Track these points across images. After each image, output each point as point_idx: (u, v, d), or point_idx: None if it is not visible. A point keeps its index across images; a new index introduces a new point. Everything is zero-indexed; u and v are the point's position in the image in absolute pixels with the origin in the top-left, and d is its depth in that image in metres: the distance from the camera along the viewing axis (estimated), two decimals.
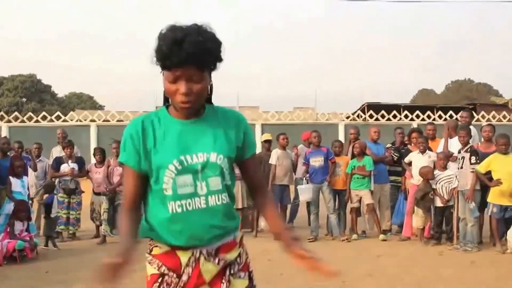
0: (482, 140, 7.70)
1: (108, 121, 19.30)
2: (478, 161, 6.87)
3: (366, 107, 22.27)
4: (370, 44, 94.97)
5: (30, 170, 8.25)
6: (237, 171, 1.95)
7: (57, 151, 9.23)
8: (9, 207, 6.91)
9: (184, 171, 1.77)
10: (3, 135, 15.42)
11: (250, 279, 1.94)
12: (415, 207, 7.33)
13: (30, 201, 7.67)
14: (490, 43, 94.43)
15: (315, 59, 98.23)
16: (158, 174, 1.79)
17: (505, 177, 6.56)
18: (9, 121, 18.43)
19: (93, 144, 16.58)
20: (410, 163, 7.69)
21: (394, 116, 19.94)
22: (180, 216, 1.78)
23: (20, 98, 44.12)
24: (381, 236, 7.71)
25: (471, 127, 7.58)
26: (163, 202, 1.79)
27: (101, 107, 44.95)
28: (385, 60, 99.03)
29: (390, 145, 8.78)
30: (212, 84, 1.84)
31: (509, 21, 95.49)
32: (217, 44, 1.73)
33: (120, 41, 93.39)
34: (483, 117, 20.23)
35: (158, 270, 1.84)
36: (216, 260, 1.83)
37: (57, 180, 8.29)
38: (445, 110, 21.30)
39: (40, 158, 8.97)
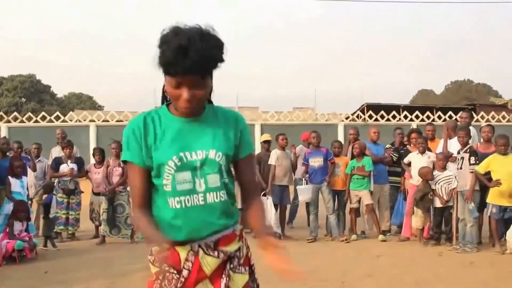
0: (482, 140, 7.71)
1: (108, 121, 19.28)
2: (477, 162, 6.88)
3: (365, 108, 22.25)
4: (370, 44, 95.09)
5: (29, 171, 8.24)
6: None
7: (57, 151, 9.24)
8: (9, 207, 6.90)
9: (183, 168, 1.80)
10: (2, 135, 15.42)
11: (252, 273, 1.95)
12: (415, 208, 7.33)
13: (29, 202, 7.67)
14: (490, 43, 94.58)
15: (315, 59, 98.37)
16: (159, 170, 1.81)
17: (504, 178, 6.57)
18: (8, 121, 18.40)
19: (92, 144, 16.56)
20: (409, 164, 7.69)
21: (394, 117, 19.94)
22: (179, 212, 1.80)
23: (20, 98, 44.10)
24: (381, 237, 7.71)
25: (471, 127, 7.59)
26: (163, 197, 1.82)
27: (100, 107, 44.91)
28: (385, 60, 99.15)
29: (390, 145, 8.78)
30: (212, 85, 1.85)
31: (509, 21, 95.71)
32: (221, 49, 1.74)
33: (120, 41, 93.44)
34: (482, 117, 20.25)
35: (160, 267, 1.85)
36: (216, 253, 1.84)
37: (56, 180, 8.29)
38: (444, 110, 21.31)
39: (39, 159, 8.96)
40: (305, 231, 8.03)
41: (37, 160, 8.80)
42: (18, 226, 6.77)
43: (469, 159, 6.96)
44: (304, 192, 7.86)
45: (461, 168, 7.06)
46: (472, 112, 17.60)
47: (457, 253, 6.71)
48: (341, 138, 16.73)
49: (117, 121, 19.23)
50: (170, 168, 1.79)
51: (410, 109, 21.59)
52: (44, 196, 7.93)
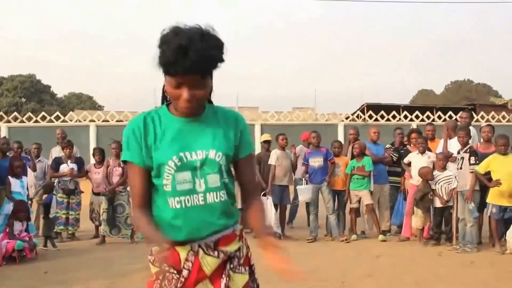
0: (482, 140, 7.71)
1: (108, 121, 19.27)
2: (477, 162, 6.88)
3: (365, 108, 22.25)
4: (370, 44, 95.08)
5: (29, 171, 8.24)
6: None
7: (57, 151, 9.24)
8: (9, 207, 6.90)
9: (183, 168, 1.80)
10: (2, 135, 15.42)
11: (252, 273, 1.95)
12: (415, 208, 7.33)
13: (29, 202, 7.67)
14: (490, 43, 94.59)
15: (315, 59, 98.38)
16: (159, 170, 1.82)
17: (504, 178, 6.57)
18: (8, 121, 18.40)
19: (92, 144, 16.56)
20: (409, 164, 7.69)
21: (394, 117, 19.94)
22: (179, 212, 1.80)
23: (20, 98, 44.09)
24: (381, 237, 7.71)
25: (471, 127, 7.59)
26: (163, 197, 1.83)
27: (100, 107, 44.91)
28: (385, 60, 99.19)
29: (390, 145, 8.78)
30: (212, 85, 1.85)
31: (509, 21, 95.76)
32: (221, 49, 1.74)
33: (120, 41, 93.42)
34: (482, 117, 20.25)
35: (160, 267, 1.85)
36: (216, 253, 1.85)
37: (56, 180, 8.29)
38: (444, 110, 21.30)
39: (39, 158, 8.96)
40: (305, 231, 8.03)
41: (37, 160, 8.80)
42: (18, 226, 6.77)
43: (469, 159, 6.96)
44: (304, 192, 7.86)
45: (461, 168, 7.06)
46: (472, 112, 17.61)
47: (457, 253, 6.71)
48: (341, 138, 16.73)
49: (117, 121, 19.22)
50: (170, 168, 1.79)
51: (410, 109, 21.59)
52: (44, 196, 7.93)
